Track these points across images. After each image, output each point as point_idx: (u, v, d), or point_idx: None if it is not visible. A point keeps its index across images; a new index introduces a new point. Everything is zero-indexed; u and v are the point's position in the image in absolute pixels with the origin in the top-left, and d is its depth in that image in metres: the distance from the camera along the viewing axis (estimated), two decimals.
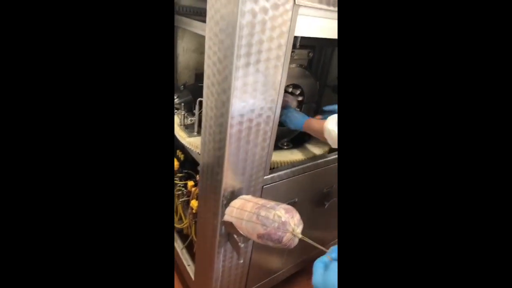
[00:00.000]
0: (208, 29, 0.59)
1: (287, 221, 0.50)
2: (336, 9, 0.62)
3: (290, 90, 0.90)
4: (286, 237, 0.50)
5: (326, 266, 0.41)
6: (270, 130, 0.68)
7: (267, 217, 0.52)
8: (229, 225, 0.63)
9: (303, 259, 1.14)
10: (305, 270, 1.26)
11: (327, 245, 1.21)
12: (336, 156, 0.92)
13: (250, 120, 0.63)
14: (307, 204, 0.95)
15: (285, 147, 0.94)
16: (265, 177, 0.76)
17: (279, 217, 0.51)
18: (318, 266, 0.41)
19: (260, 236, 0.53)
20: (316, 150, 0.94)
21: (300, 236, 0.51)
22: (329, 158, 0.90)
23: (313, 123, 0.78)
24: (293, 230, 0.50)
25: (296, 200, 0.88)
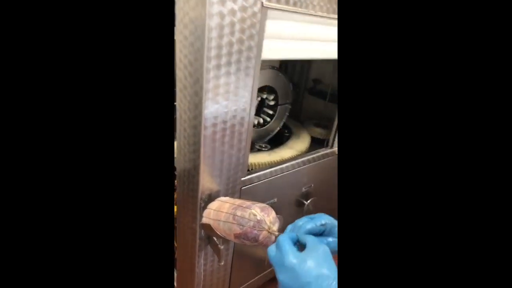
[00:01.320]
0: (178, 32, 0.59)
1: (262, 219, 0.51)
2: (312, 12, 0.64)
3: (264, 95, 0.92)
4: (263, 235, 0.50)
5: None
6: (245, 132, 0.69)
7: (243, 217, 0.53)
8: (207, 227, 0.63)
9: None
10: None
11: None
12: (313, 155, 0.94)
13: (224, 122, 0.63)
14: (287, 204, 0.96)
15: (264, 149, 0.95)
16: (243, 178, 0.76)
17: (255, 215, 0.51)
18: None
19: (237, 236, 0.53)
20: (293, 151, 0.95)
21: (276, 233, 0.51)
22: (306, 158, 0.92)
23: None
24: (269, 228, 0.51)
25: (276, 200, 0.89)
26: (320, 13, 0.68)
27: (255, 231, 0.50)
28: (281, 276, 0.38)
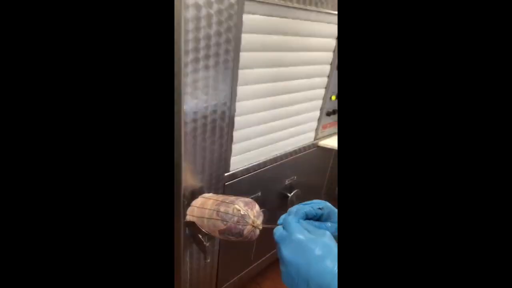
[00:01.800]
0: None
1: (246, 214, 0.51)
2: (295, 5, 0.64)
3: None
4: (247, 230, 0.50)
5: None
6: (226, 126, 0.68)
7: (227, 212, 0.52)
8: (192, 225, 0.62)
9: (274, 251, 1.16)
10: (277, 262, 1.28)
11: None
12: (295, 148, 0.95)
13: (205, 117, 0.62)
14: (271, 198, 0.96)
15: None
16: (226, 174, 0.75)
17: (238, 210, 0.51)
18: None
19: (221, 232, 0.53)
20: None
21: (260, 227, 0.51)
22: (288, 151, 0.93)
23: None
24: (253, 222, 0.51)
25: (260, 194, 0.89)
26: (299, 6, 0.67)
27: (239, 226, 0.50)
28: (286, 252, 0.37)
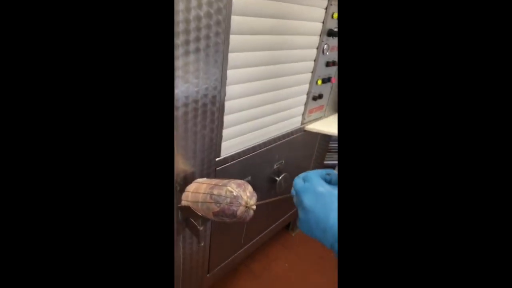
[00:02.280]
0: None
1: (239, 195, 0.52)
2: None
3: None
4: (240, 211, 0.51)
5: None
6: (217, 111, 0.68)
7: (220, 195, 0.53)
8: (186, 210, 0.62)
9: (264, 233, 1.19)
10: (266, 244, 1.31)
11: (281, 218, 1.28)
12: (283, 133, 0.96)
13: (196, 101, 0.61)
14: (260, 182, 0.98)
15: None
16: (217, 159, 0.76)
17: (231, 192, 0.52)
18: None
19: (215, 214, 0.54)
20: None
21: (254, 207, 0.53)
22: (277, 136, 0.94)
23: None
24: (247, 203, 0.52)
25: (250, 178, 0.91)
26: None
27: (233, 207, 0.51)
28: (307, 201, 0.39)
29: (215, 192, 0.54)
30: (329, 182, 0.47)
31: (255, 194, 0.55)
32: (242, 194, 0.51)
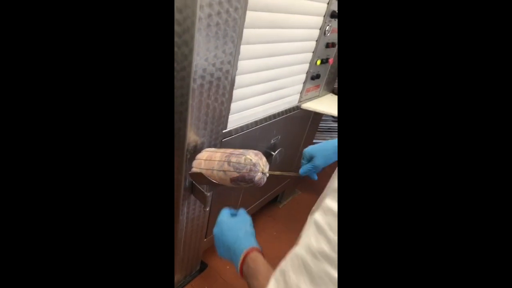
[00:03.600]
0: None
1: (257, 163, 0.57)
2: None
3: None
4: (258, 176, 0.57)
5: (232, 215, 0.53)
6: (228, 84, 0.71)
7: (239, 162, 0.58)
8: (198, 176, 0.67)
9: (256, 203, 1.27)
10: (256, 214, 1.40)
11: (272, 191, 1.36)
12: (282, 110, 1.01)
13: (211, 74, 0.64)
14: None
15: None
16: (224, 131, 0.80)
17: (250, 160, 0.57)
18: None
19: (233, 179, 0.59)
20: None
21: (267, 174, 0.58)
22: (276, 112, 0.99)
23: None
24: (263, 170, 0.57)
25: None
26: None
27: (252, 173, 0.57)
28: (216, 230, 0.51)
29: (233, 159, 0.59)
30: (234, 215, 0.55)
31: (268, 163, 0.60)
32: (260, 162, 0.57)
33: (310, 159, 0.65)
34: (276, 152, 1.09)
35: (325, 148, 0.63)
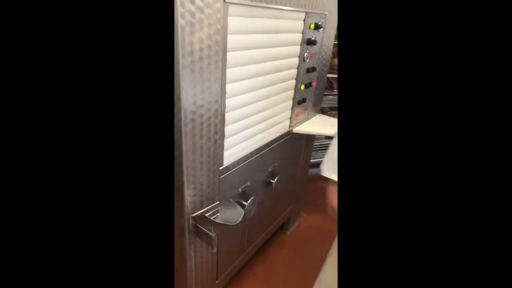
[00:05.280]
0: None
1: None
2: (269, 5, 0.70)
3: None
4: None
5: None
6: (219, 123, 0.72)
7: None
8: (202, 218, 0.65)
9: (263, 234, 1.23)
10: (270, 241, 1.36)
11: (277, 219, 1.34)
12: (274, 137, 1.03)
13: (201, 116, 0.66)
14: (259, 185, 1.03)
15: None
16: (221, 168, 0.80)
17: None
18: None
19: None
20: None
21: None
22: (269, 140, 1.00)
23: None
24: None
25: (249, 183, 0.96)
26: (272, 5, 0.74)
27: None
28: None
29: None
30: None
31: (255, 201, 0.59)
32: None
33: None
34: (276, 179, 1.09)
35: None
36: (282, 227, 1.52)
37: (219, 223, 0.63)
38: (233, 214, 0.76)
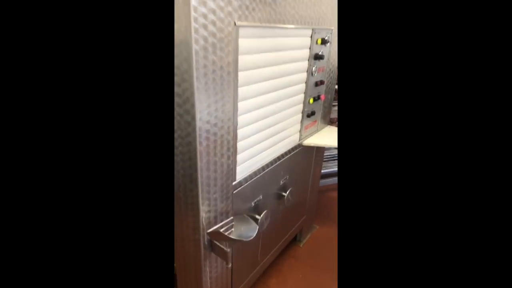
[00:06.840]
0: None
1: None
2: (277, 25, 0.72)
3: None
4: None
5: None
6: (232, 140, 0.74)
7: None
8: (217, 234, 0.67)
9: (276, 247, 1.23)
10: (284, 253, 1.35)
11: (290, 231, 1.33)
12: (285, 150, 1.04)
13: (215, 134, 0.68)
14: (271, 198, 1.04)
15: None
16: (234, 183, 0.81)
17: None
18: None
19: None
20: None
21: None
22: (280, 153, 1.01)
23: None
24: None
25: (261, 197, 0.97)
26: (280, 25, 0.76)
27: None
28: None
29: None
30: None
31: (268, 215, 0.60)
32: None
33: None
34: (288, 192, 1.09)
35: None
36: (295, 239, 1.52)
37: (234, 239, 0.64)
38: (247, 229, 0.77)
